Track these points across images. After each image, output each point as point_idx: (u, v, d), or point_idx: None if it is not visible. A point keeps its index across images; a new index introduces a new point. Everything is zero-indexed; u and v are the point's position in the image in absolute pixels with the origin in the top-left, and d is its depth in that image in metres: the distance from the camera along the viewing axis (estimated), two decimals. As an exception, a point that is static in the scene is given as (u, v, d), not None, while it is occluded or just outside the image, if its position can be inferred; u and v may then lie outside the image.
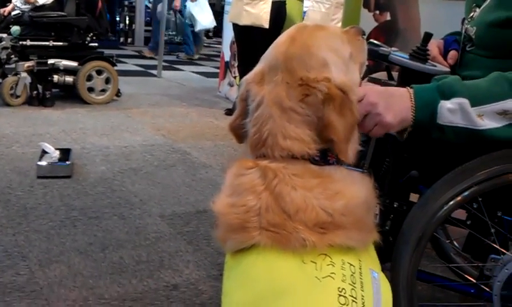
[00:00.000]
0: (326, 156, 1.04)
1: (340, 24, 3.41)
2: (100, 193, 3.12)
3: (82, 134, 4.29)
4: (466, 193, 1.42)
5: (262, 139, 1.03)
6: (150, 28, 10.84)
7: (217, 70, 7.04)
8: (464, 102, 1.25)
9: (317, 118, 1.02)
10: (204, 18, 8.96)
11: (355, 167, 1.09)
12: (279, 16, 4.70)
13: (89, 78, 5.28)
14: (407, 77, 1.52)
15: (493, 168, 1.40)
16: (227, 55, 6.17)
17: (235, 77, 5.87)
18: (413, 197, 1.69)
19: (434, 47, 1.64)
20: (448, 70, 1.55)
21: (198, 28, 9.16)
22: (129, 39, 11.19)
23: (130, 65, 8.23)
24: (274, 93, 1.04)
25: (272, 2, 4.62)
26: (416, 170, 1.63)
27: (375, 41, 1.59)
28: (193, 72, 8.24)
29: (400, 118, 1.25)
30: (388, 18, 2.95)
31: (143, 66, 8.29)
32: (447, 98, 1.26)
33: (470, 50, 1.60)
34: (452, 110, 1.25)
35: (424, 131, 1.29)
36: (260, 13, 4.63)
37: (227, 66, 6.19)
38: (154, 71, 7.59)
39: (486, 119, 1.26)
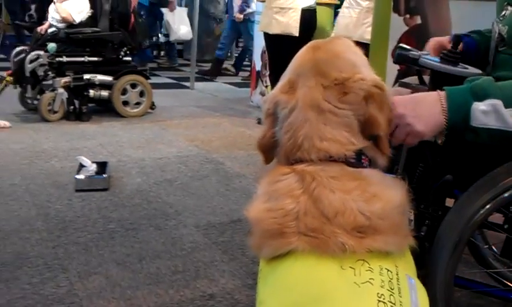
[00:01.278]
0: (360, 158, 1.04)
1: (370, 29, 3.38)
2: (137, 205, 3.17)
3: (118, 147, 4.37)
4: (502, 196, 1.39)
5: (298, 144, 1.03)
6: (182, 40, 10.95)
7: (249, 81, 7.08)
8: (498, 103, 1.23)
9: (357, 116, 1.03)
10: (180, 29, 8.70)
11: (387, 172, 1.09)
12: (309, 24, 4.71)
13: (124, 92, 5.37)
14: (438, 81, 1.51)
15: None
16: (258, 64, 6.20)
17: (266, 87, 5.89)
18: (449, 202, 1.66)
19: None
20: (479, 71, 1.53)
21: (172, 38, 8.96)
22: (162, 53, 11.33)
23: (163, 78, 8.34)
24: (309, 97, 1.04)
25: (302, 10, 4.63)
26: (450, 174, 1.61)
27: (405, 46, 1.58)
28: (225, 83, 8.30)
29: (432, 123, 1.24)
30: (419, 21, 2.92)
31: (176, 78, 8.39)
32: (480, 99, 1.24)
33: (502, 50, 1.57)
34: (485, 112, 1.23)
35: (458, 133, 1.27)
36: (289, 22, 4.64)
37: (258, 75, 6.21)
38: (187, 83, 7.67)
39: None
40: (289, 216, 0.98)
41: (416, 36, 2.88)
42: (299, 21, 4.62)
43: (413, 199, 1.55)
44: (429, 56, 1.54)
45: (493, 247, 1.98)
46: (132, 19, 5.53)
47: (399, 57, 1.54)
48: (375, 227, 0.96)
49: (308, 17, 4.69)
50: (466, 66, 1.54)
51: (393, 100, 1.15)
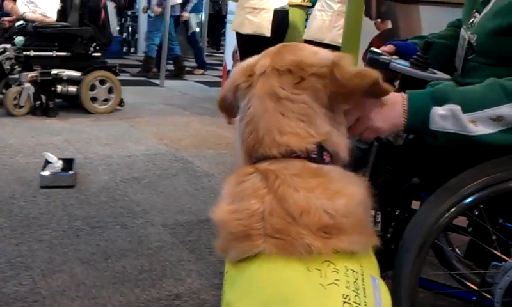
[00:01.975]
0: (322, 154, 1.03)
1: (341, 32, 3.41)
2: (103, 202, 3.13)
3: (85, 144, 4.30)
4: (467, 200, 1.42)
5: (259, 138, 1.02)
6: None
7: (220, 79, 7.06)
8: (456, 108, 1.26)
9: (320, 98, 1.01)
10: None
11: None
12: (281, 25, 4.73)
13: (92, 88, 5.31)
14: (408, 85, 1.52)
15: (494, 175, 1.40)
16: (229, 64, 6.19)
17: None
18: (415, 204, 1.69)
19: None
20: (448, 77, 1.56)
21: None
22: (132, 49, 11.24)
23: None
24: (265, 84, 1.02)
25: (275, 11, 4.65)
26: (417, 177, 1.63)
27: (376, 50, 1.60)
28: (196, 81, 8.26)
29: (391, 123, 1.26)
30: (390, 26, 2.96)
31: (146, 76, 8.31)
32: (440, 104, 1.27)
33: (471, 58, 1.60)
34: (443, 117, 1.26)
35: (418, 136, 1.30)
36: (262, 22, 4.66)
37: (230, 74, 6.20)
38: (157, 81, 7.62)
39: (479, 125, 1.26)
40: (255, 217, 0.96)
41: (388, 40, 2.91)
42: (271, 22, 4.64)
43: (381, 201, 1.59)
44: (399, 61, 1.56)
45: (457, 250, 2.02)
46: (103, 14, 5.46)
47: (370, 61, 1.56)
48: (339, 226, 0.95)
49: (281, 18, 4.72)
50: (435, 71, 1.56)
51: None
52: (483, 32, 1.51)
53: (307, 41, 4.30)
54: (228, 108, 1.13)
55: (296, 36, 4.89)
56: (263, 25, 4.65)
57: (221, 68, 7.29)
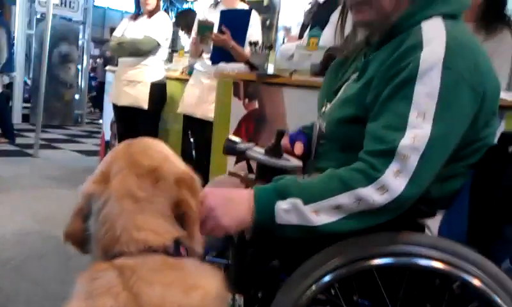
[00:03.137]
0: (178, 248, 1.06)
1: (213, 107, 3.51)
2: (-38, 292, 2.88)
3: None
4: (322, 281, 1.49)
5: (116, 237, 1.03)
6: (28, 105, 10.47)
7: (99, 148, 6.90)
8: (298, 201, 1.33)
9: (170, 201, 1.08)
10: None
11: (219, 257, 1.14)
12: (158, 98, 4.78)
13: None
14: (264, 171, 1.60)
15: (348, 255, 1.48)
16: (107, 134, 6.09)
17: (116, 157, 5.77)
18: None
19: (286, 141, 1.76)
20: (300, 163, 1.66)
21: None
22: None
23: (5, 144, 7.82)
24: (123, 186, 1.06)
25: (152, 84, 4.68)
26: (277, 259, 1.69)
27: (233, 138, 1.67)
28: (73, 151, 7.99)
29: (237, 220, 1.32)
30: (256, 106, 3.11)
31: (19, 145, 7.90)
32: (283, 198, 1.34)
33: (322, 143, 1.72)
34: (286, 211, 1.33)
35: (268, 230, 1.36)
36: (138, 95, 4.68)
37: (107, 145, 6.09)
38: (30, 151, 7.26)
39: (322, 215, 1.33)
40: None
41: (255, 119, 3.06)
42: (148, 94, 4.66)
43: (243, 283, 1.63)
44: (255, 148, 1.64)
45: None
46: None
47: (227, 150, 1.62)
48: None
49: (157, 91, 4.76)
50: (288, 157, 1.65)
51: (204, 192, 1.24)
52: (331, 120, 1.63)
53: (184, 116, 4.37)
54: (79, 241, 1.13)
55: (174, 107, 4.95)
56: (140, 97, 4.67)
57: (100, 135, 7.14)
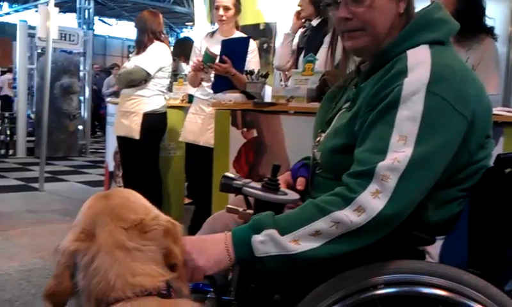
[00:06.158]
0: (169, 290, 1.12)
1: (213, 134, 3.52)
2: (-32, 335, 2.88)
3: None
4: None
5: (111, 285, 1.06)
6: (33, 138, 10.53)
7: (103, 178, 6.92)
8: (273, 232, 1.35)
9: (160, 249, 1.14)
10: None
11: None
12: (154, 128, 4.81)
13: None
14: (262, 206, 1.60)
15: (343, 289, 1.47)
16: (111, 165, 6.11)
17: (120, 187, 5.80)
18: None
19: (287, 176, 1.78)
20: (298, 197, 1.65)
21: None
22: (10, 151, 10.75)
23: (10, 179, 7.87)
24: (112, 240, 1.10)
25: (145, 114, 4.70)
26: (278, 294, 1.68)
27: (230, 175, 1.67)
28: (78, 182, 8.02)
29: (214, 260, 1.35)
30: (255, 134, 3.12)
31: (24, 179, 7.94)
32: (258, 232, 1.36)
33: (318, 173, 1.73)
34: (263, 242, 1.35)
35: (250, 265, 1.39)
36: (131, 125, 4.72)
37: (111, 176, 6.11)
38: (36, 185, 7.29)
39: (302, 243, 1.34)
40: None
41: (254, 148, 3.07)
42: (140, 125, 4.69)
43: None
44: (252, 184, 1.64)
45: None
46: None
47: (224, 187, 1.62)
48: None
49: (152, 121, 4.76)
50: (286, 191, 1.65)
51: (183, 239, 1.27)
52: (325, 149, 1.65)
53: (186, 143, 4.39)
54: (62, 299, 1.14)
55: (176, 136, 4.97)
56: (132, 128, 4.71)
57: (104, 165, 7.17)
